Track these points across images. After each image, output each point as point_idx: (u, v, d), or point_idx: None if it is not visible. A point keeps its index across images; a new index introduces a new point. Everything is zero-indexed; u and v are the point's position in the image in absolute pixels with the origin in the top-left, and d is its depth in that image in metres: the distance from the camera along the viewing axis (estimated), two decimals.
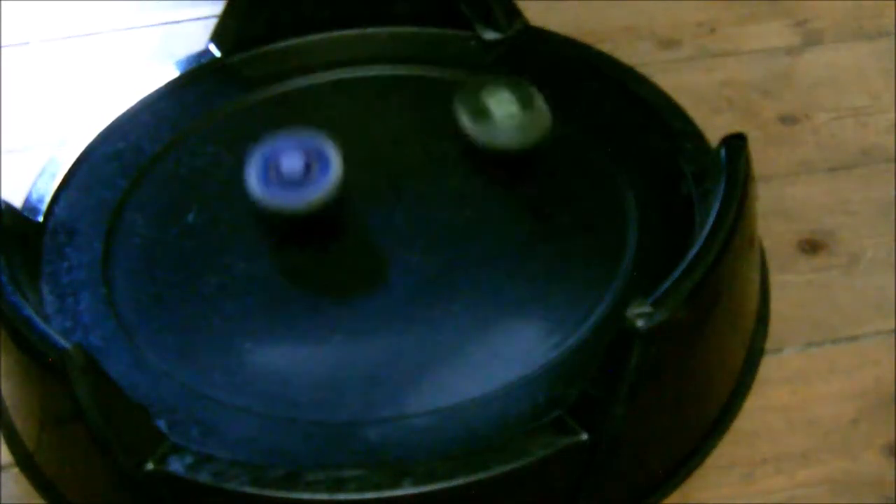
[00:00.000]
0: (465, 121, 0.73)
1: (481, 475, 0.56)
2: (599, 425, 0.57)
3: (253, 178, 0.68)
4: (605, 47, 0.83)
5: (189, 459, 0.57)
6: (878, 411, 0.66)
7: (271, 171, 0.68)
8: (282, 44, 0.83)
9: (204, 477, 0.56)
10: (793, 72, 0.88)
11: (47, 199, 0.73)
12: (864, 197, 0.78)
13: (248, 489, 0.56)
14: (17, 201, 0.72)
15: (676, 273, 0.59)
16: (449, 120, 0.75)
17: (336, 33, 0.84)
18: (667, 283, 0.58)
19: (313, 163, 0.68)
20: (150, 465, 0.57)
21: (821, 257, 0.75)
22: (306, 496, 0.55)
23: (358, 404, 0.61)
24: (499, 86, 0.74)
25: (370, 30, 0.84)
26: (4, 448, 0.66)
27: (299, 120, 0.77)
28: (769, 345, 0.69)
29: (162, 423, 0.60)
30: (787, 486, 0.63)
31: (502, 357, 0.63)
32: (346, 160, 0.75)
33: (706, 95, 0.86)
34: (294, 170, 0.68)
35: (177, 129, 0.78)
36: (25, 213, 0.72)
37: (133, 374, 0.63)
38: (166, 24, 0.95)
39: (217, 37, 0.84)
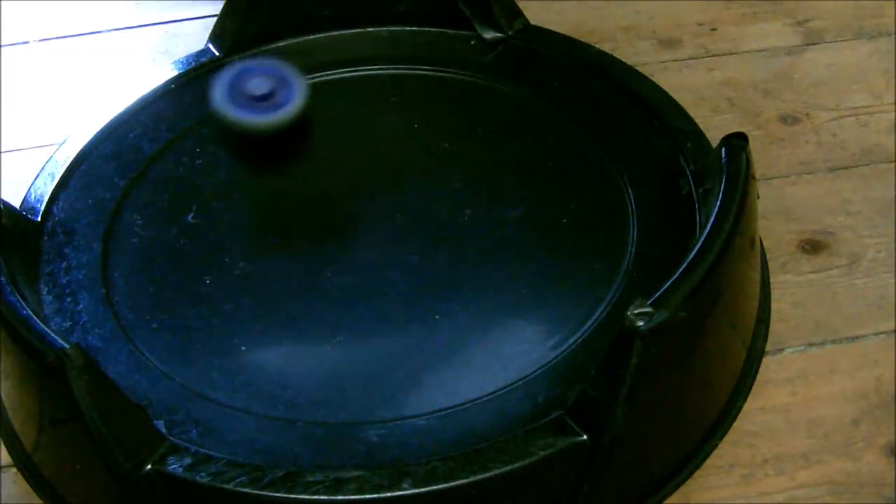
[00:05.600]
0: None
1: (481, 476, 0.56)
2: (599, 426, 0.57)
3: (219, 98, 0.70)
4: (606, 47, 0.83)
5: (188, 460, 0.57)
6: (878, 412, 0.66)
7: (238, 93, 0.70)
8: (282, 44, 0.83)
9: (203, 477, 0.56)
10: (793, 71, 0.88)
11: (46, 198, 0.73)
12: (864, 197, 0.78)
13: (247, 490, 0.56)
14: (15, 201, 0.72)
15: (677, 273, 0.59)
16: (449, 120, 0.75)
17: (336, 33, 0.84)
18: (667, 284, 0.58)
19: (278, 88, 0.71)
20: (148, 466, 0.56)
21: (821, 257, 0.75)
22: (305, 497, 0.55)
23: (357, 405, 0.61)
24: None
25: (370, 30, 0.84)
26: (3, 448, 0.66)
27: (298, 119, 0.77)
28: (769, 345, 0.69)
29: (160, 424, 0.59)
30: (787, 486, 0.63)
31: (502, 358, 0.63)
32: (347, 160, 0.76)
33: (706, 95, 0.86)
34: (260, 91, 0.70)
35: (176, 129, 0.78)
36: (24, 213, 0.71)
37: (131, 374, 0.63)
38: (166, 23, 0.95)
39: (216, 37, 0.83)
